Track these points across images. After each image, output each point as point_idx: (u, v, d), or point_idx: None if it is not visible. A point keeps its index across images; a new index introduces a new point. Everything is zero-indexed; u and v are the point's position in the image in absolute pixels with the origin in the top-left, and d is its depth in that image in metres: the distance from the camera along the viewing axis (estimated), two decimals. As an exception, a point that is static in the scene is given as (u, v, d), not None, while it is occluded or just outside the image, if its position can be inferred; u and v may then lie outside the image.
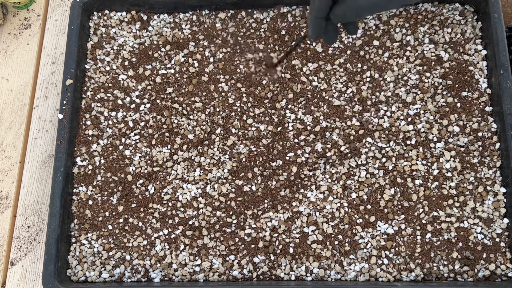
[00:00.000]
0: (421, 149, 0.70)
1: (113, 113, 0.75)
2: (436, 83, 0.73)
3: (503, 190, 0.68)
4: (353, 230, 0.67)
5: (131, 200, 0.71)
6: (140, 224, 0.70)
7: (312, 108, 0.73)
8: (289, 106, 0.73)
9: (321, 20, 0.46)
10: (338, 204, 0.68)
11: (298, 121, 0.72)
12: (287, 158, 0.71)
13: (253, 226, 0.68)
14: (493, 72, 0.71)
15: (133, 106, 0.75)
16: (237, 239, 0.68)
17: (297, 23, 0.77)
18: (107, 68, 0.77)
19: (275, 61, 0.75)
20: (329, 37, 0.48)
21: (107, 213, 0.70)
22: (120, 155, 0.73)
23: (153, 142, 0.73)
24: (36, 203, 0.74)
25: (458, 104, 0.72)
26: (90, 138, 0.73)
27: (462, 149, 0.70)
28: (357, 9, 0.43)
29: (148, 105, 0.75)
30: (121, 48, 0.78)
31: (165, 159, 0.72)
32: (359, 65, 0.74)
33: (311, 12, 0.47)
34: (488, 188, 0.68)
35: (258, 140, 0.72)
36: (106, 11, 0.79)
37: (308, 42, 0.74)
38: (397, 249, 0.66)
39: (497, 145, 0.69)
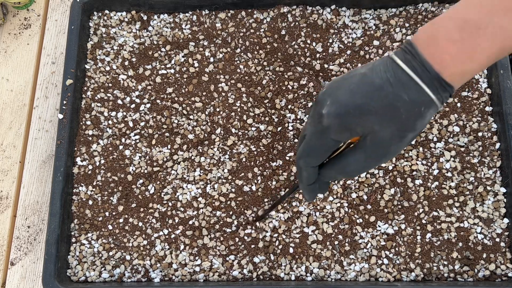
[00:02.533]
0: (421, 149, 0.70)
1: (113, 113, 0.74)
2: (436, 83, 0.73)
3: (503, 190, 0.68)
4: (353, 230, 0.67)
5: (131, 200, 0.71)
6: (140, 224, 0.70)
7: (312, 108, 0.73)
8: (289, 106, 0.73)
9: (313, 185, 0.48)
10: (338, 204, 0.68)
11: (298, 121, 0.72)
12: (287, 158, 0.71)
13: (253, 226, 0.68)
14: (493, 72, 0.71)
15: (133, 106, 0.75)
16: (237, 239, 0.68)
17: (297, 23, 0.77)
18: (107, 68, 0.77)
19: (259, 214, 0.68)
20: (322, 189, 0.50)
21: (107, 213, 0.70)
22: (120, 155, 0.72)
23: (153, 142, 0.73)
24: (36, 203, 0.74)
25: (458, 104, 0.72)
26: (90, 138, 0.73)
27: (462, 149, 0.70)
28: (345, 174, 0.45)
29: (148, 105, 0.75)
30: (121, 48, 0.78)
31: (165, 159, 0.72)
32: (359, 65, 0.74)
33: (301, 181, 0.48)
34: (488, 188, 0.68)
35: (258, 140, 0.72)
36: (106, 11, 0.79)
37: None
38: (397, 249, 0.66)
39: (497, 145, 0.69)
